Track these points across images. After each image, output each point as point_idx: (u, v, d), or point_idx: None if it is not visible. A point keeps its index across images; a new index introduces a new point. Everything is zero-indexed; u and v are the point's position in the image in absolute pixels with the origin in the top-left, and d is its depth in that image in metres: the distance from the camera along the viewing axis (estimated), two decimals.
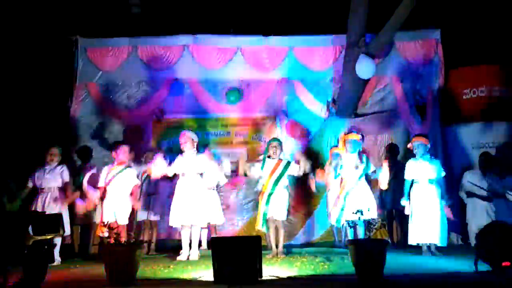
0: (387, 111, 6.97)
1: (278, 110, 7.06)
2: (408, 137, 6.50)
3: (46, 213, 3.95)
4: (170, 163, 5.49)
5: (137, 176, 5.66)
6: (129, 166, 5.55)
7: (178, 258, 5.21)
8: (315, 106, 7.04)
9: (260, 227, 5.41)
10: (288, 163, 5.50)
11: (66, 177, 5.39)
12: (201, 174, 5.43)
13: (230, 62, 7.14)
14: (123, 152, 5.50)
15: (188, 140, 5.39)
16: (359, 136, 5.48)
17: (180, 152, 5.54)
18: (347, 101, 6.84)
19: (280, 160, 5.51)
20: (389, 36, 6.56)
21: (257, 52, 7.18)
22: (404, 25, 6.37)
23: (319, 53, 7.17)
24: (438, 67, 7.09)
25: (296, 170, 5.48)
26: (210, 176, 5.81)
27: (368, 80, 6.71)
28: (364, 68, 6.07)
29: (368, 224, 4.05)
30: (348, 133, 5.52)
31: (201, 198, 5.33)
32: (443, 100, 7.00)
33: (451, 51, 7.16)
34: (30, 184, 5.36)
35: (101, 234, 5.15)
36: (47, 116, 6.71)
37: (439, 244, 5.16)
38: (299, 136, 6.94)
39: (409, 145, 5.42)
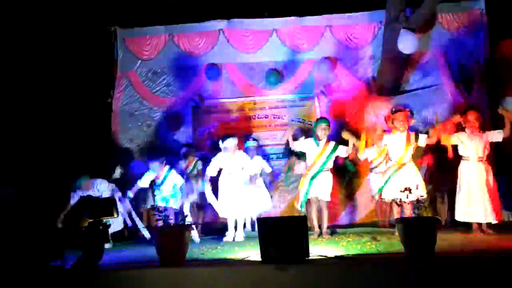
0: (431, 86, 6.74)
1: (317, 91, 6.97)
2: (454, 113, 6.25)
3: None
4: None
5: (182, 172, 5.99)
6: (170, 170, 5.78)
7: (225, 239, 5.33)
8: (355, 85, 6.91)
9: (299, 207, 5.40)
10: (336, 145, 5.42)
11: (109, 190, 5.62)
12: (244, 168, 5.53)
13: (266, 44, 7.10)
14: (155, 168, 5.71)
15: (235, 147, 5.53)
16: (409, 112, 5.29)
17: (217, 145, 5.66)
18: (388, 78, 6.66)
19: (328, 141, 5.45)
20: (431, 9, 6.29)
21: (293, 33, 7.10)
22: None
23: (357, 31, 7.00)
24: (483, 39, 6.76)
25: (344, 151, 5.42)
26: (253, 166, 5.88)
27: (410, 55, 6.49)
28: (407, 43, 5.86)
29: (416, 202, 3.96)
30: (395, 111, 5.28)
31: (248, 191, 5.42)
32: (490, 73, 6.68)
33: (498, 21, 6.80)
34: (76, 199, 5.51)
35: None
36: (91, 107, 6.95)
37: (491, 221, 4.99)
38: (339, 116, 6.84)
39: (461, 119, 5.19)
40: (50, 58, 6.96)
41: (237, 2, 7.34)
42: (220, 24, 7.16)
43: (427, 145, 5.42)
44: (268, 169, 6.32)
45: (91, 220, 3.22)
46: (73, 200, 5.52)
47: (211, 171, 5.57)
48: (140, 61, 7.23)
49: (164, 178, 5.75)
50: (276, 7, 7.23)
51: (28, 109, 6.78)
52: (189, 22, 7.22)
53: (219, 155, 5.60)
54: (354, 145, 5.40)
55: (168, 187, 5.73)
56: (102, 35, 7.21)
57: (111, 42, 7.23)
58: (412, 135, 5.22)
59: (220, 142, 5.63)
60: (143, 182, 5.78)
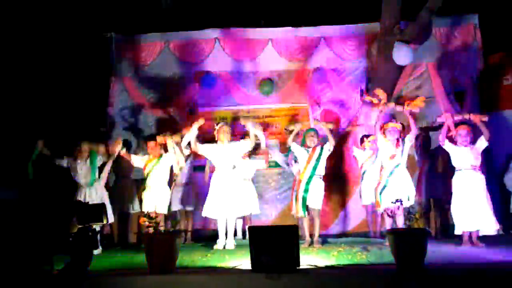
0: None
1: (311, 101, 7.01)
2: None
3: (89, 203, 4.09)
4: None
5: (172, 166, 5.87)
6: (162, 155, 5.73)
7: (215, 247, 5.30)
8: (348, 96, 6.97)
9: (301, 213, 5.41)
10: (322, 147, 5.52)
11: (100, 161, 5.60)
12: (235, 166, 5.49)
13: (261, 54, 7.16)
14: (151, 148, 5.73)
15: (229, 132, 5.52)
16: (400, 125, 5.38)
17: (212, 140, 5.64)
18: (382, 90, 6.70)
19: (315, 147, 5.53)
20: (425, 23, 6.37)
21: (288, 43, 7.16)
22: (441, 11, 6.18)
23: (351, 42, 7.07)
24: (476, 52, 6.88)
25: (328, 146, 5.50)
26: (247, 166, 5.89)
27: (403, 68, 6.56)
28: (402, 54, 5.92)
29: (408, 213, 3.98)
30: (388, 121, 5.42)
31: (237, 191, 5.40)
32: (483, 87, 6.78)
33: (490, 36, 6.91)
34: (64, 162, 5.54)
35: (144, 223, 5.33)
36: (86, 112, 6.93)
37: (486, 233, 5.03)
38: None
39: (452, 133, 5.27)
40: (46, 63, 6.95)
41: (233, 11, 7.39)
42: (216, 32, 7.20)
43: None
44: (263, 165, 6.32)
45: (80, 226, 3.19)
46: (60, 161, 5.51)
47: (198, 146, 5.49)
48: (135, 67, 7.23)
49: (156, 163, 5.70)
50: (272, 17, 7.29)
51: (25, 112, 6.75)
52: (185, 30, 7.26)
53: (213, 144, 5.57)
54: (331, 130, 5.60)
55: (156, 178, 5.66)
56: (99, 40, 7.22)
57: (107, 47, 7.24)
58: (400, 140, 5.33)
59: (215, 125, 5.65)
60: (135, 159, 5.79)
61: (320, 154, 5.48)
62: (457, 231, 5.14)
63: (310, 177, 5.41)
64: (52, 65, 6.96)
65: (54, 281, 3.01)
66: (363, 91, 6.93)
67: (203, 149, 5.54)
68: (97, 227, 5.25)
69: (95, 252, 5.14)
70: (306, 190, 5.39)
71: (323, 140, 5.70)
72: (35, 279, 3.06)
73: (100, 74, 7.17)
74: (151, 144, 5.82)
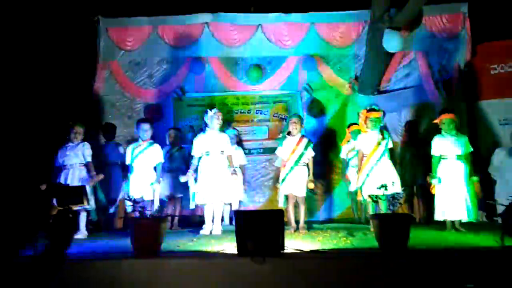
0: (411, 87, 6.84)
1: (300, 87, 7.00)
2: (432, 113, 6.36)
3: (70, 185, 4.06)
4: (191, 141, 5.58)
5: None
6: (153, 143, 5.62)
7: (201, 232, 5.30)
8: (337, 83, 6.96)
9: (280, 204, 5.45)
10: (309, 142, 5.49)
11: (88, 156, 5.42)
12: (223, 152, 5.47)
13: (250, 39, 7.10)
14: (142, 130, 5.58)
15: (222, 119, 5.45)
16: (381, 113, 5.37)
17: (201, 130, 5.59)
18: (370, 78, 6.72)
19: (302, 137, 5.49)
20: (415, 11, 6.35)
21: (277, 29, 7.11)
22: None
23: (341, 29, 7.05)
24: (465, 41, 6.90)
25: (311, 154, 5.48)
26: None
27: (392, 56, 6.57)
28: (392, 41, 5.90)
29: (392, 198, 4.01)
30: (369, 110, 5.39)
31: (224, 176, 5.37)
32: (470, 76, 6.82)
33: (479, 25, 6.94)
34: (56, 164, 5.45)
35: (127, 209, 5.29)
36: (71, 95, 6.82)
37: (467, 220, 5.11)
38: (321, 113, 6.90)
39: (436, 121, 5.30)
40: (31, 47, 6.80)
41: None
42: (206, 17, 7.12)
43: None
44: (244, 161, 6.31)
45: (60, 208, 3.15)
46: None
47: (195, 151, 5.42)
48: (122, 51, 7.13)
49: (145, 148, 5.57)
50: (262, 2, 7.22)
51: (7, 99, 6.62)
52: (174, 14, 7.16)
53: (199, 135, 5.51)
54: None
55: (142, 163, 5.54)
56: (85, 23, 7.09)
57: (94, 31, 7.12)
58: (386, 134, 5.31)
59: (208, 110, 5.50)
60: (128, 155, 5.63)
61: (305, 150, 5.43)
62: (437, 217, 5.20)
63: (292, 168, 5.40)
64: (37, 50, 6.81)
65: (32, 265, 2.98)
66: (352, 78, 6.95)
67: (199, 151, 5.41)
68: (83, 212, 5.27)
69: (81, 236, 5.16)
70: (283, 180, 5.41)
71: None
72: (15, 262, 3.04)
73: (87, 58, 7.06)
74: (142, 126, 5.61)
